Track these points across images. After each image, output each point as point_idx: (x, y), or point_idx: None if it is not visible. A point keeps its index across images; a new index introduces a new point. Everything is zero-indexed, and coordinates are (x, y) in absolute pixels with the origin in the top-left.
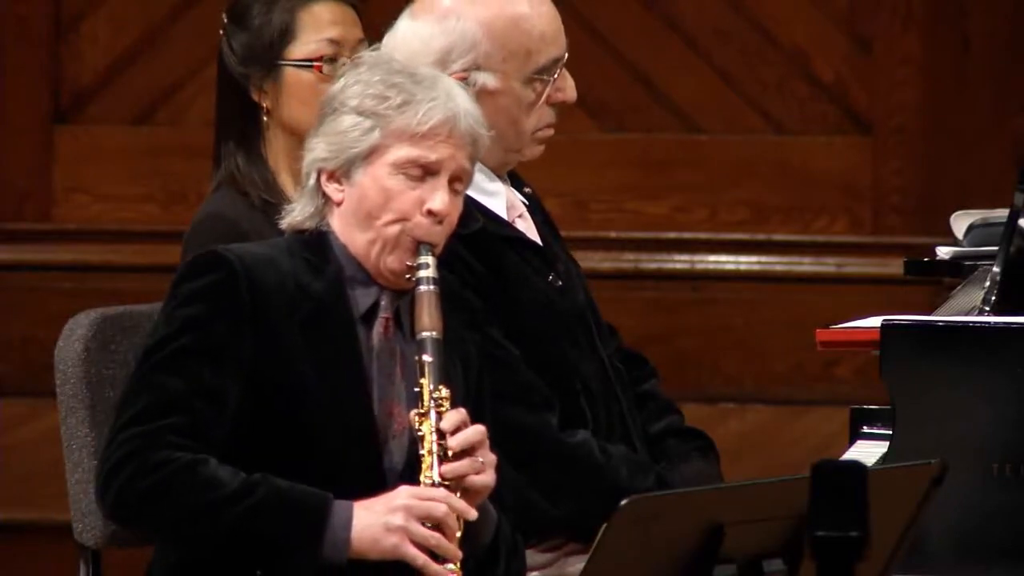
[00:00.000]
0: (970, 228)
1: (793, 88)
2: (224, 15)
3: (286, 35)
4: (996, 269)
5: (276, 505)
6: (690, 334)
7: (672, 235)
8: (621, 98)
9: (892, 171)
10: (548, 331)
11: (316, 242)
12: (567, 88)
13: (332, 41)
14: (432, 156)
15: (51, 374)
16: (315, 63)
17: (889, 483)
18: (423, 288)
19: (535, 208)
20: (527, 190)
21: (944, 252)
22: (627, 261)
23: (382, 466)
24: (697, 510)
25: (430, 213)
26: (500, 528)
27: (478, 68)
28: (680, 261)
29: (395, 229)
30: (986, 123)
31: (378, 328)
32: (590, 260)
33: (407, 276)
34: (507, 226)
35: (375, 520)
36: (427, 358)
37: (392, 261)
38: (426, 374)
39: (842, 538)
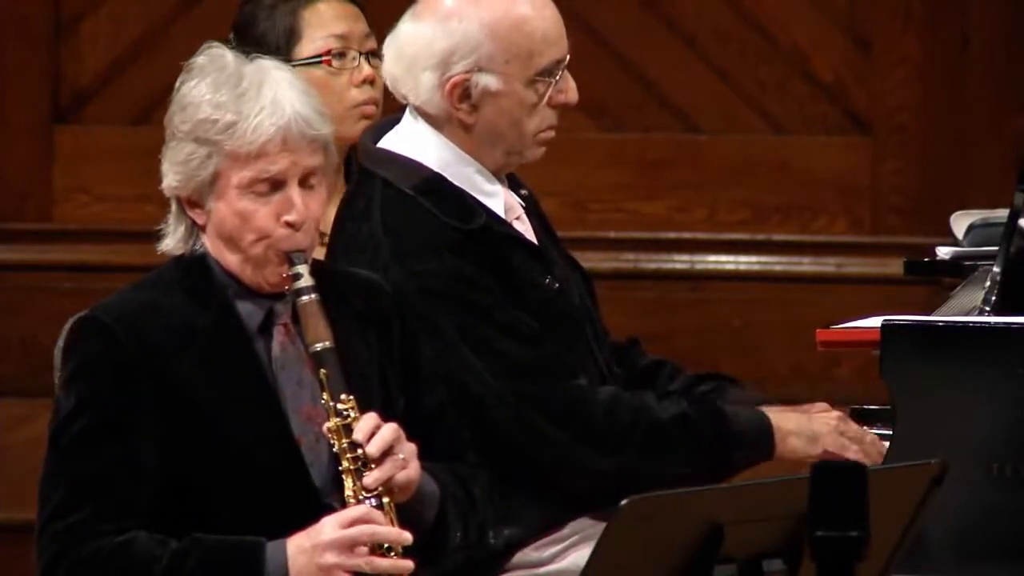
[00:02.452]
0: (970, 228)
1: (793, 88)
2: (231, 32)
3: (292, 36)
4: (996, 269)
5: (210, 568)
6: (689, 334)
7: (671, 235)
8: (620, 98)
9: (892, 171)
10: (548, 330)
11: (196, 267)
12: (569, 90)
13: (338, 36)
14: (273, 169)
15: (51, 374)
16: (323, 58)
17: (889, 483)
18: (304, 299)
19: (531, 210)
20: (524, 192)
21: (944, 252)
22: (626, 261)
23: (309, 474)
24: (697, 510)
25: (288, 224)
26: (446, 500)
27: (480, 70)
28: (679, 261)
29: (260, 248)
30: (986, 123)
31: (278, 336)
32: (589, 260)
33: (285, 288)
34: (506, 226)
35: (307, 560)
36: (323, 371)
37: (268, 275)
38: (326, 388)
39: (842, 538)
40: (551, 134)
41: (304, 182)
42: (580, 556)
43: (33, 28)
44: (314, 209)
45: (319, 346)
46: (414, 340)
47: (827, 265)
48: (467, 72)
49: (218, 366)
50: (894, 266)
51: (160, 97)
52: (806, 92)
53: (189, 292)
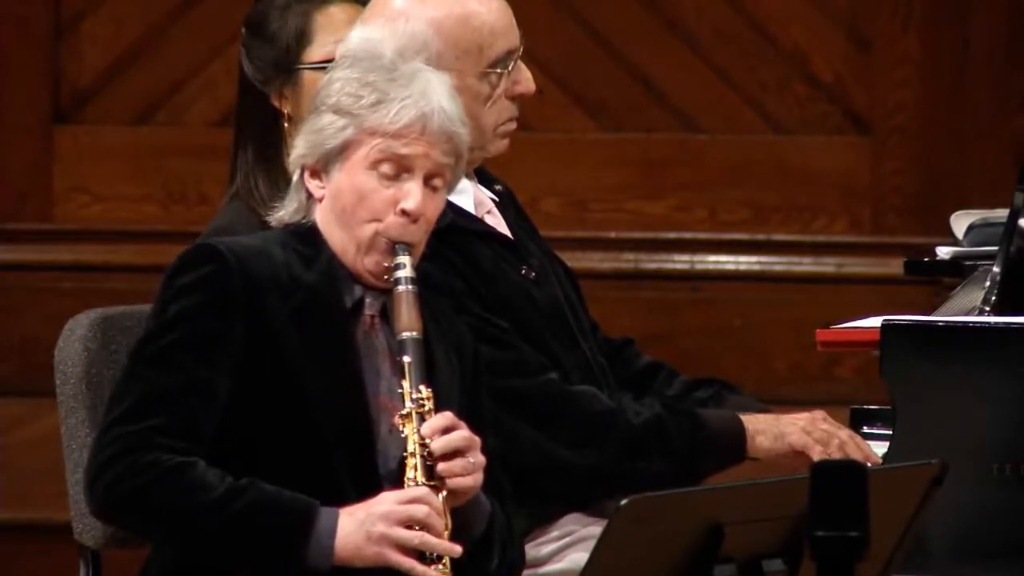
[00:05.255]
0: (970, 228)
1: (793, 88)
2: (242, 27)
3: (302, 39)
4: (996, 269)
5: (262, 511)
6: (690, 334)
7: (672, 235)
8: (621, 98)
9: (891, 171)
10: (526, 322)
11: (307, 234)
12: (524, 80)
13: None
14: (404, 151)
15: (51, 374)
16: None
17: (889, 483)
18: (401, 288)
19: (507, 205)
20: (498, 187)
21: (944, 252)
22: (627, 261)
23: (376, 457)
24: (697, 510)
25: (404, 213)
26: (494, 519)
27: (431, 67)
28: (680, 261)
29: (370, 230)
30: (986, 123)
31: (362, 326)
32: (590, 260)
33: (385, 277)
34: (477, 221)
35: (358, 528)
36: (407, 359)
37: (369, 262)
38: (407, 375)
39: (842, 538)
40: (512, 126)
41: (428, 180)
42: (579, 556)
43: (33, 28)
44: (431, 210)
45: (406, 335)
46: (480, 383)
47: (827, 265)
48: None
49: (314, 325)
50: (894, 266)
51: (160, 97)
52: (806, 92)
53: (298, 253)
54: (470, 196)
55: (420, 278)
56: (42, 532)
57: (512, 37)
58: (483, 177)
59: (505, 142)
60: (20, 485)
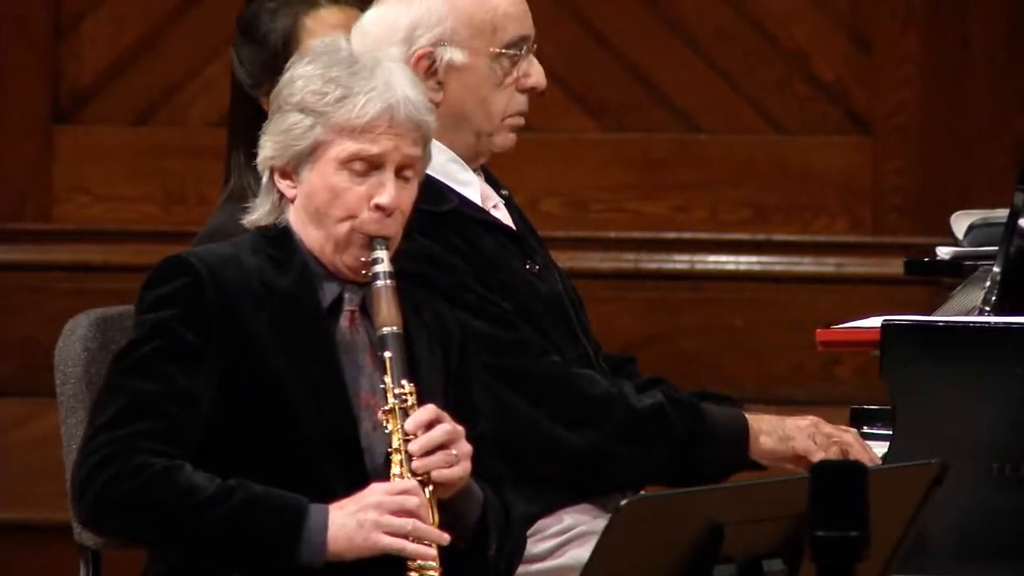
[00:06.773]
0: (970, 228)
1: (793, 88)
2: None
3: (291, 42)
4: (996, 269)
5: (252, 511)
6: (690, 334)
7: (672, 235)
8: (621, 98)
9: (892, 171)
10: (528, 309)
11: (280, 237)
12: (535, 73)
13: None
14: (374, 149)
15: (51, 374)
16: None
17: (889, 483)
18: (379, 283)
19: (512, 209)
20: (504, 192)
21: (944, 252)
22: (627, 261)
23: (363, 456)
24: (697, 510)
25: (378, 208)
26: (488, 507)
27: (444, 43)
28: (680, 261)
29: (345, 227)
30: (986, 123)
31: (343, 321)
32: (590, 260)
33: (363, 272)
34: (482, 212)
35: (348, 520)
36: (388, 354)
37: (347, 258)
38: (388, 371)
39: (842, 538)
40: (520, 121)
41: (400, 172)
42: (578, 552)
43: (33, 28)
44: (405, 201)
45: (386, 330)
46: (468, 372)
47: (827, 265)
48: (432, 45)
49: (291, 329)
50: (894, 266)
51: (160, 97)
52: (807, 92)
53: (271, 258)
54: (477, 189)
55: (422, 256)
56: (42, 532)
57: (526, 24)
58: (489, 180)
59: (512, 136)
60: (20, 485)
